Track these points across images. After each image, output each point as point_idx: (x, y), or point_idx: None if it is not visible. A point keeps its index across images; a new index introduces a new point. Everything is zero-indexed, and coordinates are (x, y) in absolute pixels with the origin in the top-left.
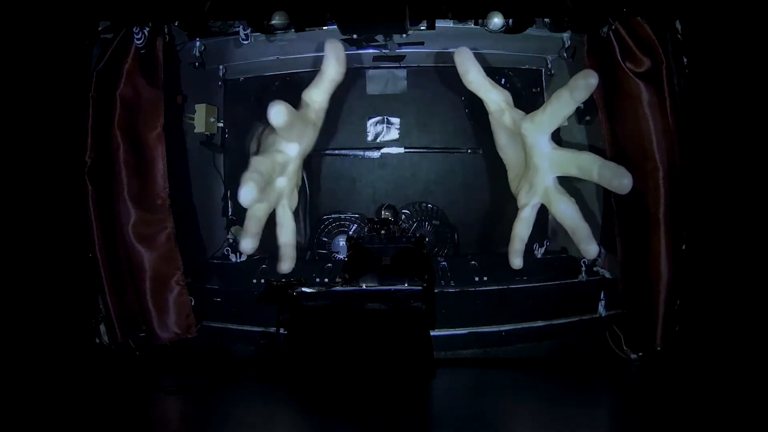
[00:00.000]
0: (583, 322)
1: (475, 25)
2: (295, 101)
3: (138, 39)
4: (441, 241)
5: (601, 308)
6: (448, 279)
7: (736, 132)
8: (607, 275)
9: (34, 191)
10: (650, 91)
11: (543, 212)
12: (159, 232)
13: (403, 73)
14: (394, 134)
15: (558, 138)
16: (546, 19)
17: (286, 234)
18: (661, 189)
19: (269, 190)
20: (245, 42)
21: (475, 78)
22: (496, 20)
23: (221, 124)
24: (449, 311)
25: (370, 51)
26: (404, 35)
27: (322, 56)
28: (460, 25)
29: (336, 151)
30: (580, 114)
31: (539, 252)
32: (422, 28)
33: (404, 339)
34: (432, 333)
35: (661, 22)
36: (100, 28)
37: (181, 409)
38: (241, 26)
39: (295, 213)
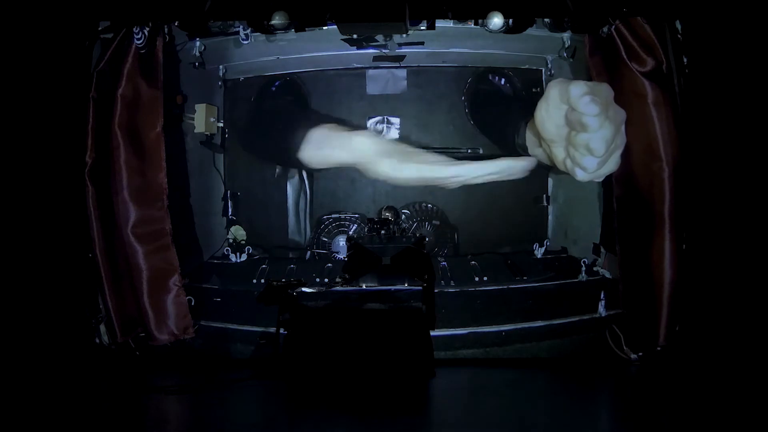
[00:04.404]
0: (583, 322)
1: (475, 25)
2: (295, 101)
3: (138, 39)
4: (441, 241)
5: (601, 308)
6: (448, 279)
7: (736, 131)
8: (607, 275)
9: (35, 191)
10: (655, 90)
11: (543, 212)
12: (157, 232)
13: (403, 73)
14: (394, 134)
15: None
16: (546, 19)
17: None
18: (666, 187)
19: None
20: (245, 42)
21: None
22: (496, 20)
23: (221, 124)
24: (449, 311)
25: (370, 51)
26: (404, 35)
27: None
28: (460, 25)
29: None
30: None
31: (539, 252)
32: (422, 28)
33: (404, 339)
34: (432, 333)
35: (661, 22)
36: (100, 28)
37: (181, 409)
38: (241, 26)
39: (295, 213)
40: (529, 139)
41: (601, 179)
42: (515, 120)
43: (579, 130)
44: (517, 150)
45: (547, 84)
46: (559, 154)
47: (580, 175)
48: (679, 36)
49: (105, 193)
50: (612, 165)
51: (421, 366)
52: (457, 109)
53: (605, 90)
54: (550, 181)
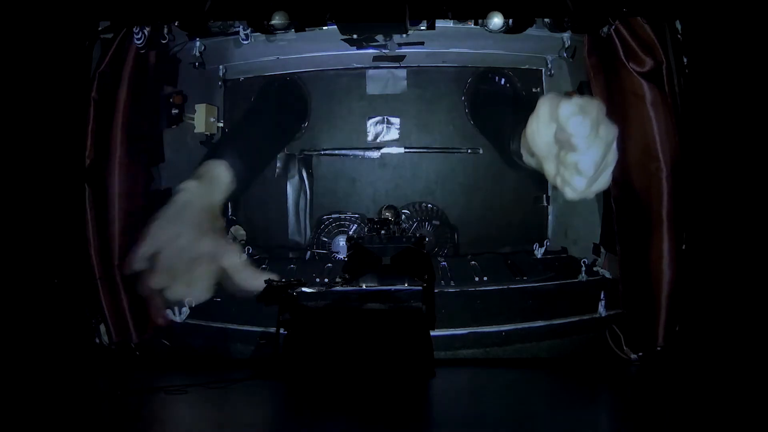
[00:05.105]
0: (583, 322)
1: (475, 25)
2: (294, 101)
3: (138, 39)
4: (441, 241)
5: (601, 308)
6: (448, 279)
7: (736, 132)
8: (607, 275)
9: (37, 191)
10: (653, 90)
11: (543, 212)
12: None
13: (403, 73)
14: (394, 134)
15: None
16: (546, 19)
17: None
18: (664, 188)
19: None
20: (245, 42)
21: None
22: (496, 20)
23: (221, 124)
24: (449, 311)
25: (370, 51)
26: (404, 35)
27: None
28: (460, 25)
29: (336, 151)
30: None
31: (539, 252)
32: (422, 28)
33: (404, 339)
34: (432, 333)
35: (661, 22)
36: (100, 28)
37: (181, 409)
38: (241, 26)
39: (295, 213)
40: (524, 147)
41: (592, 196)
42: (511, 126)
43: (568, 149)
44: (512, 156)
45: (546, 84)
46: (550, 170)
47: (570, 194)
48: (679, 36)
49: (101, 193)
50: (603, 183)
51: (421, 366)
52: (457, 109)
53: (596, 106)
54: None
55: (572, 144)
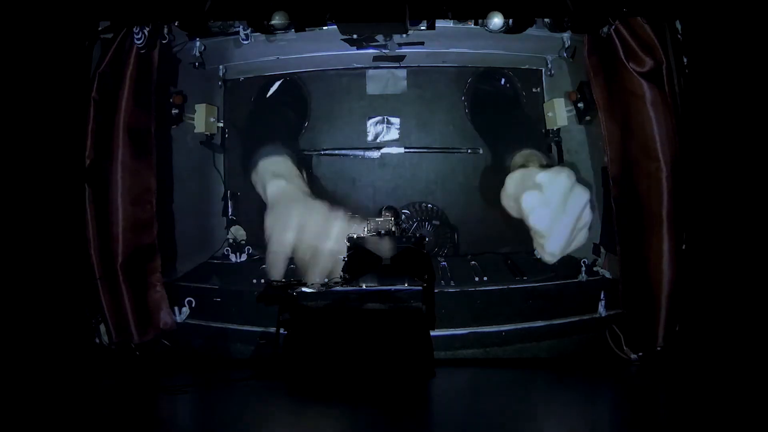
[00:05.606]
0: (583, 322)
1: (475, 25)
2: (294, 101)
3: (138, 39)
4: (441, 241)
5: (601, 308)
6: (448, 279)
7: (736, 132)
8: (607, 275)
9: (37, 192)
10: (653, 90)
11: None
12: (145, 232)
13: (403, 73)
14: (394, 134)
15: (558, 139)
16: (546, 19)
17: None
18: (664, 188)
19: None
20: (245, 42)
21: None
22: (496, 20)
23: (221, 124)
24: (449, 311)
25: (370, 51)
26: (404, 35)
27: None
28: (460, 25)
29: (336, 151)
30: (580, 114)
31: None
32: (422, 28)
33: (404, 339)
34: (432, 333)
35: (661, 22)
36: (100, 28)
37: (181, 409)
38: (241, 26)
39: None
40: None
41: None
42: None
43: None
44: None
45: (546, 84)
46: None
47: (546, 260)
48: (679, 36)
49: (101, 193)
50: (578, 242)
51: (421, 366)
52: (457, 109)
53: (565, 177)
54: None
55: (536, 232)
